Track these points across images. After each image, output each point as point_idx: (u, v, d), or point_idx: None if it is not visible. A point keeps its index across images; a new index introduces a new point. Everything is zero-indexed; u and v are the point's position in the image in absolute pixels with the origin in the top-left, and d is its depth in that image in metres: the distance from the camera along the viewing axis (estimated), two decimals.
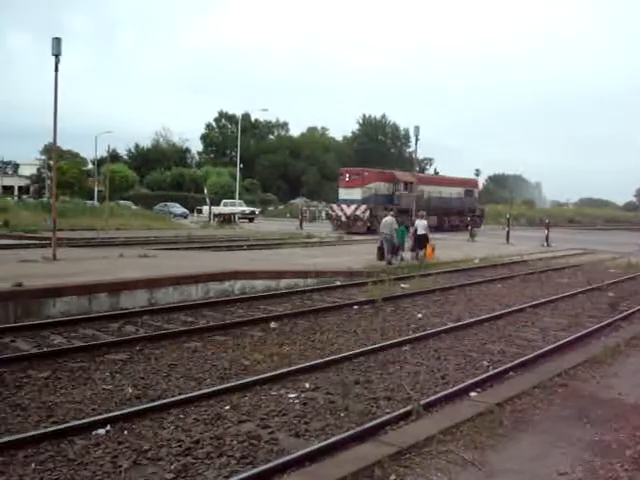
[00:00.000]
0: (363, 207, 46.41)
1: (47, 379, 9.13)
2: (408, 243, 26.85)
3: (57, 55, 18.87)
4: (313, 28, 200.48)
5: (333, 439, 6.91)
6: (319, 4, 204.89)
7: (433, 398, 8.46)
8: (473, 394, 8.90)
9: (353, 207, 46.76)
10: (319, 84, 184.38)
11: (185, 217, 64.99)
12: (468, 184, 60.98)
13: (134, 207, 63.75)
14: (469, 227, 43.66)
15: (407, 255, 26.25)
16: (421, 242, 26.15)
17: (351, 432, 7.12)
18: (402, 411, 7.84)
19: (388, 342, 11.80)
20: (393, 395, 8.88)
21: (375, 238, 29.51)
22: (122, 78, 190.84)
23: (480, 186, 66.09)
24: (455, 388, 9.01)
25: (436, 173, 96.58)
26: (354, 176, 48.82)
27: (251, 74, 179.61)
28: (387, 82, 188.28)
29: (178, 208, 69.81)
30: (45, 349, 10.67)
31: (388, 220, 24.91)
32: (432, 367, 10.45)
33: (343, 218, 47.43)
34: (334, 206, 50.31)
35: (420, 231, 26.06)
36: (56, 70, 18.96)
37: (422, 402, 8.05)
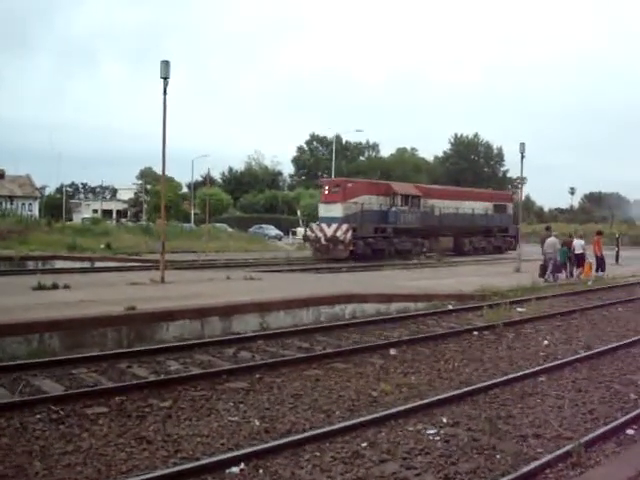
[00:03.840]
0: (344, 227, 36.66)
1: (169, 409, 8.72)
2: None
3: (166, 78, 18.94)
4: (401, 48, 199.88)
5: None
6: (407, 24, 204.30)
7: (591, 437, 7.63)
8: (630, 431, 8.04)
9: (334, 227, 37.14)
10: (408, 104, 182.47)
11: (279, 239, 65.18)
12: (498, 198, 51.77)
13: (230, 229, 64.34)
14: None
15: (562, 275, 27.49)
16: (579, 261, 27.96)
17: (512, 476, 6.37)
18: (561, 452, 7.05)
19: (521, 372, 10.97)
20: (541, 432, 8.07)
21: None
22: (213, 104, 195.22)
23: (515, 199, 53.77)
24: (611, 425, 8.14)
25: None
26: (334, 188, 38.87)
27: (340, 96, 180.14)
28: (478, 100, 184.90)
29: (272, 230, 70.20)
30: (163, 376, 10.30)
31: (552, 240, 26.50)
32: (575, 400, 9.57)
33: (323, 240, 37.61)
34: (313, 225, 39.65)
35: (578, 250, 27.75)
36: (165, 93, 19.03)
37: (582, 441, 7.23)
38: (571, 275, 27.94)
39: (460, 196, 47.04)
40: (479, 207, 47.21)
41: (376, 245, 38.44)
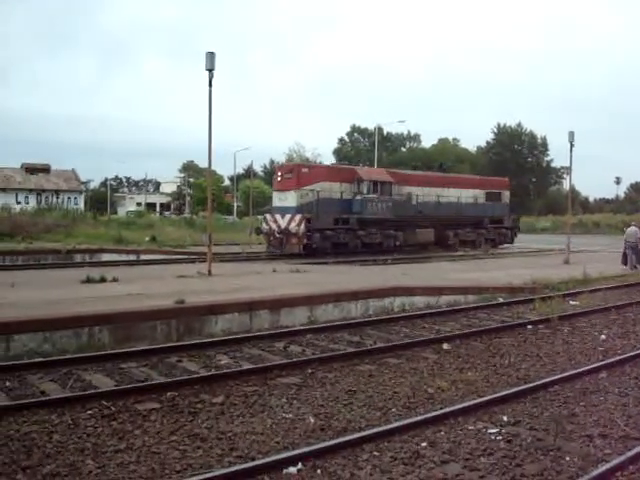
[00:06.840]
0: (297, 218, 32.34)
1: (222, 405, 8.55)
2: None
3: (211, 70, 18.83)
4: (442, 38, 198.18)
5: None
6: (448, 14, 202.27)
7: None
8: None
9: (287, 218, 32.84)
10: (450, 94, 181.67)
11: None
12: (492, 185, 45.08)
13: None
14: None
15: None
16: None
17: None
18: (632, 453, 6.70)
19: (581, 369, 10.56)
20: (607, 432, 7.70)
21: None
22: (254, 97, 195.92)
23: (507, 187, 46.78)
24: None
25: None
26: (287, 174, 34.09)
27: (381, 87, 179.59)
28: (522, 91, 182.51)
29: None
30: (214, 371, 10.14)
31: (632, 230, 27.66)
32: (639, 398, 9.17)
33: (276, 233, 33.31)
34: (267, 216, 34.85)
35: None
36: (210, 85, 18.92)
37: None
38: None
39: (443, 183, 41.24)
40: (467, 195, 41.81)
41: (337, 238, 33.93)
